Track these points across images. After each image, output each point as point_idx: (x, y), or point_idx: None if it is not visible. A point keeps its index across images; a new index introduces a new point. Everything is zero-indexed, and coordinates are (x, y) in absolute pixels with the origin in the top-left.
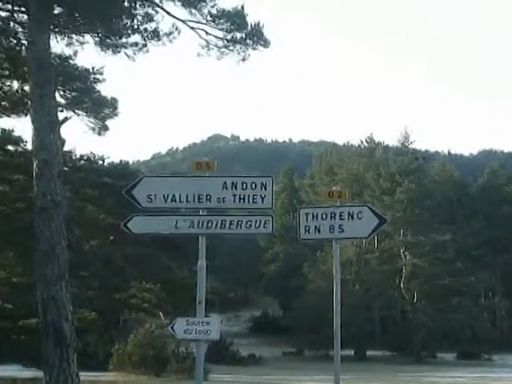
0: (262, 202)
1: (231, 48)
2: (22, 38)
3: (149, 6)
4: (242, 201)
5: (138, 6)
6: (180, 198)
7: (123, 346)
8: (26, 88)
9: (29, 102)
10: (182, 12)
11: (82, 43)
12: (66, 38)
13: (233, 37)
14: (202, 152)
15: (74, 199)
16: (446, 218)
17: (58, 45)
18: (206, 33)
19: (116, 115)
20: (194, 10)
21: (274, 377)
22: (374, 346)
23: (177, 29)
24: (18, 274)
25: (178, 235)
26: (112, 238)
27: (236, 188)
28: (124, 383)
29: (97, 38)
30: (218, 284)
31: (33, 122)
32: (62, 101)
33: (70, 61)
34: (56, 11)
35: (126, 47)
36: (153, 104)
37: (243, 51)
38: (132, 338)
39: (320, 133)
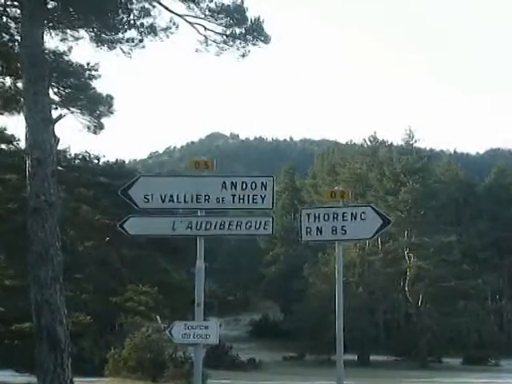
0: (263, 202)
1: (230, 44)
2: (14, 33)
3: (145, 1)
4: (241, 201)
5: (134, 0)
6: (178, 199)
7: (119, 350)
8: (19, 85)
9: (22, 100)
10: (179, 6)
11: (76, 39)
12: (60, 34)
13: (232, 32)
14: (200, 151)
15: (69, 199)
16: (452, 219)
17: (51, 40)
18: (205, 28)
19: (112, 113)
20: (192, 5)
21: (274, 382)
22: (378, 351)
23: (174, 24)
24: (11, 276)
25: (176, 236)
26: (107, 239)
27: (235, 188)
28: None
29: (92, 34)
30: (217, 287)
31: (26, 120)
32: (56, 98)
33: (65, 57)
34: (50, 5)
35: (121, 43)
36: (150, 101)
37: (243, 47)
38: (128, 343)
39: (322, 131)
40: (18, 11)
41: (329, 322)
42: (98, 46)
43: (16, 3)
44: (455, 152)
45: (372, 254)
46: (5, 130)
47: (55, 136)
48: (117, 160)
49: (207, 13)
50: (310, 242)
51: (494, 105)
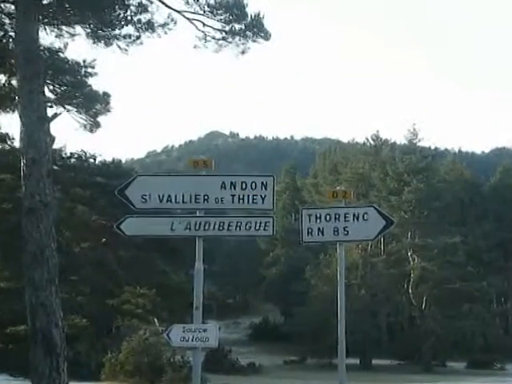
0: (263, 202)
1: (230, 40)
2: (9, 29)
3: None
4: (241, 201)
5: None
6: (176, 199)
7: (116, 354)
8: (14, 82)
9: (16, 98)
10: (177, 2)
11: (72, 35)
12: (56, 30)
13: (231, 28)
14: (199, 150)
15: (64, 199)
16: (456, 220)
17: (47, 37)
18: (204, 24)
19: (108, 111)
20: (190, 0)
21: None
22: (381, 355)
23: (172, 20)
24: (5, 278)
25: (174, 237)
26: (104, 240)
27: (235, 188)
28: None
29: (88, 30)
30: (216, 289)
31: (21, 119)
32: (52, 96)
33: (60, 53)
34: (45, 1)
35: (118, 39)
36: (147, 99)
37: (242, 44)
38: (125, 346)
39: (323, 130)
40: (13, 7)
41: (330, 325)
42: (94, 43)
43: None
44: (460, 151)
45: (375, 256)
46: None
47: (51, 135)
48: (113, 159)
49: (206, 8)
50: (312, 243)
51: (499, 103)
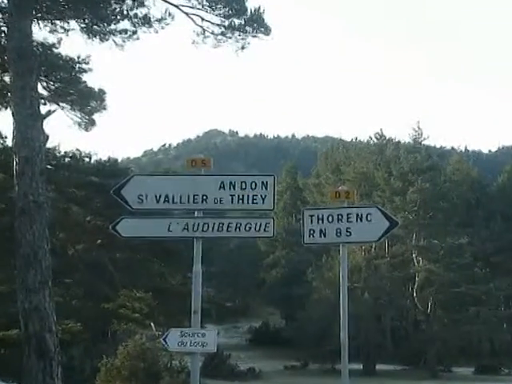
0: (263, 202)
1: (229, 35)
2: (1, 24)
3: None
4: (240, 201)
5: None
6: (173, 199)
7: (111, 359)
8: (6, 79)
9: (9, 94)
10: None
11: (66, 30)
12: (50, 25)
13: (231, 23)
14: (197, 149)
15: (58, 200)
16: (463, 220)
17: (40, 32)
18: (202, 19)
19: (104, 108)
20: None
21: None
22: (385, 360)
23: (170, 14)
24: None
25: (172, 239)
26: (99, 241)
27: (234, 188)
28: None
29: (83, 25)
30: (215, 292)
31: (13, 116)
32: (45, 93)
33: (54, 49)
34: None
35: (114, 34)
36: (144, 96)
37: (242, 39)
38: (121, 351)
39: (325, 128)
40: (5, 1)
41: (333, 329)
42: (89, 38)
43: None
44: (466, 150)
45: (378, 258)
46: None
47: (44, 133)
48: (109, 158)
49: (205, 2)
50: (313, 244)
51: (506, 101)
